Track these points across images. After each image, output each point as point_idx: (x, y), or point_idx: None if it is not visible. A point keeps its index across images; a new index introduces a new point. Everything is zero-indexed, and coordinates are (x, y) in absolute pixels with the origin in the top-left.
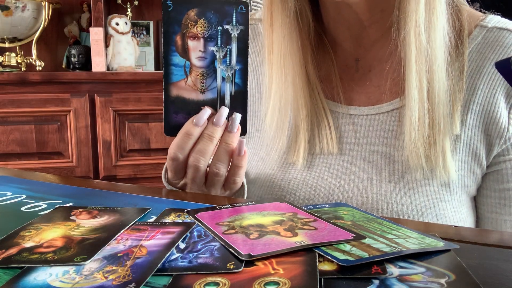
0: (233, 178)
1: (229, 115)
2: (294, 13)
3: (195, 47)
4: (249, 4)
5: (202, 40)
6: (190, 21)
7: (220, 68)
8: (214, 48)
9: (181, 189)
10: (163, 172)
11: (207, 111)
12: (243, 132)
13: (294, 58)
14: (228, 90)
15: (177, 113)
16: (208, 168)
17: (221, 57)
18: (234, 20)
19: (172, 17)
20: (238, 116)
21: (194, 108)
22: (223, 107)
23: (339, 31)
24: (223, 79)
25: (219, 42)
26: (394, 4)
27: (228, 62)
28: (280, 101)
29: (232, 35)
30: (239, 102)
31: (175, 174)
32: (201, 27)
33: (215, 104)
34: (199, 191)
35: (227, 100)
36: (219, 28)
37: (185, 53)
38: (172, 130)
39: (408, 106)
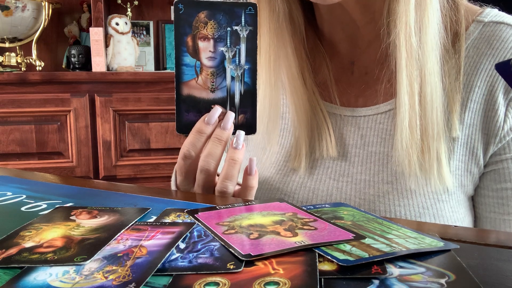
0: (244, 198)
1: (239, 113)
2: (283, 18)
3: (205, 48)
4: (257, 5)
5: (212, 41)
6: (200, 22)
7: (229, 68)
8: (223, 49)
9: None
10: (172, 181)
11: (218, 110)
12: (253, 130)
13: (288, 62)
14: (238, 89)
15: (188, 112)
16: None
17: (231, 57)
18: (243, 21)
19: (183, 19)
20: (242, 134)
21: (204, 106)
22: (229, 111)
23: (334, 33)
24: (232, 78)
25: (228, 42)
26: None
27: (237, 62)
28: (270, 105)
29: (241, 36)
30: (249, 101)
31: (185, 177)
32: (211, 28)
33: (225, 102)
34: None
35: (237, 98)
36: (229, 29)
37: (195, 53)
38: (183, 128)
39: (399, 112)
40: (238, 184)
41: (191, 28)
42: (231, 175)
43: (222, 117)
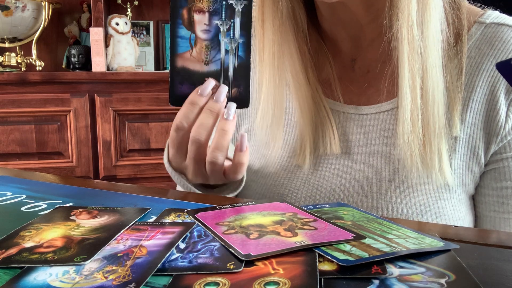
0: (234, 175)
1: (232, 86)
2: (286, 15)
3: (200, 21)
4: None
5: (207, 14)
6: None
7: (224, 41)
8: (218, 22)
9: (182, 174)
10: (164, 155)
11: (211, 82)
12: (246, 104)
13: (292, 60)
14: (232, 62)
15: (182, 84)
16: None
17: (225, 30)
18: None
19: None
20: (233, 105)
21: (198, 79)
22: (222, 85)
23: (335, 32)
24: (226, 51)
25: (223, 16)
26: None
27: (231, 36)
28: (274, 102)
29: (236, 10)
30: (242, 74)
31: (178, 149)
32: (206, 1)
33: (218, 75)
34: (199, 176)
35: (230, 72)
36: (224, 2)
37: (190, 26)
38: (177, 99)
39: (401, 105)
40: (229, 159)
41: (187, 0)
42: (221, 145)
43: (215, 90)
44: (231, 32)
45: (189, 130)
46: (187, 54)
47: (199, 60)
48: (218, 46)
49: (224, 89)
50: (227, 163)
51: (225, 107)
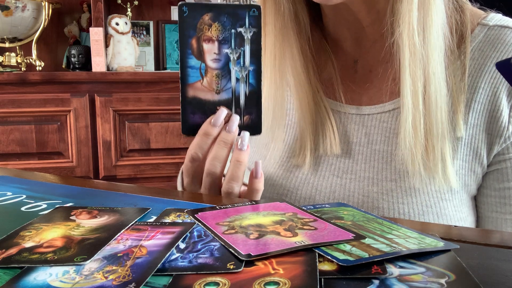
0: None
1: (244, 114)
2: (288, 17)
3: (210, 50)
4: (263, 5)
5: (216, 43)
6: (205, 25)
7: (234, 69)
8: (228, 50)
9: None
10: (178, 182)
11: (223, 112)
12: (258, 131)
13: (294, 61)
14: (243, 90)
15: (194, 113)
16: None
17: (235, 58)
18: (247, 23)
19: (187, 22)
20: (247, 135)
21: (210, 108)
22: (234, 115)
23: (338, 32)
24: (237, 79)
25: (233, 44)
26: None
27: (242, 64)
28: (274, 103)
29: (245, 37)
30: (254, 102)
31: (192, 179)
32: (215, 30)
33: (230, 104)
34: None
35: (242, 100)
36: (233, 31)
37: (200, 55)
38: (189, 129)
39: (403, 111)
40: (244, 184)
41: (196, 30)
42: (236, 176)
43: (227, 118)
44: (241, 60)
45: (203, 160)
46: (198, 83)
47: (210, 89)
48: (229, 75)
49: (236, 119)
50: (242, 188)
51: (239, 135)
